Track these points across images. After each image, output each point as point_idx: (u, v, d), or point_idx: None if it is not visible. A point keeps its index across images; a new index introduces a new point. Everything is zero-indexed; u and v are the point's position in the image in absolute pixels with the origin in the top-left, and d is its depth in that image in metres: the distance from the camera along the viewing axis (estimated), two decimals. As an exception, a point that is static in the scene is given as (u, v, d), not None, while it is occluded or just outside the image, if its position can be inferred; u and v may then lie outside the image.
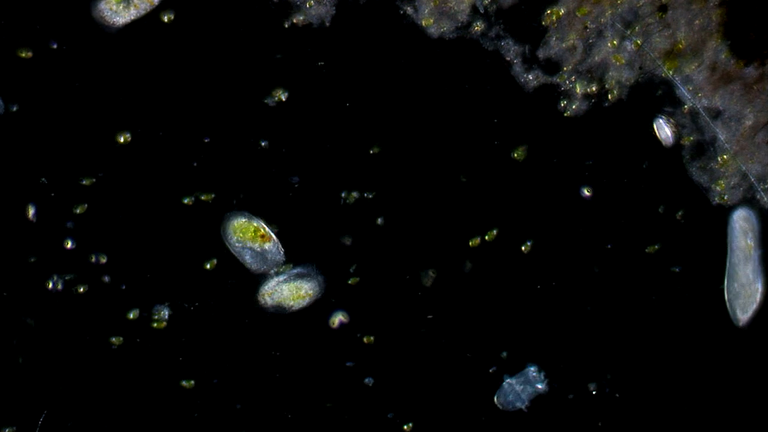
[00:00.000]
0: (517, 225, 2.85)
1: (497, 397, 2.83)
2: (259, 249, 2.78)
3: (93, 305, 2.81)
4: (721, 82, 2.71)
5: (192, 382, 2.84)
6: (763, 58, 2.67)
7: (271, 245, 2.78)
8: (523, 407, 2.80)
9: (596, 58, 2.73)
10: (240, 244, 2.77)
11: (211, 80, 2.76)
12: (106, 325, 2.81)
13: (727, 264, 2.78)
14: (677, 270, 2.85)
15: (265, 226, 2.78)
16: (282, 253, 2.78)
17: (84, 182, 2.77)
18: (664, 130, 2.70)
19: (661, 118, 2.71)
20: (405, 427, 2.89)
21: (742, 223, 2.75)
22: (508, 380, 2.81)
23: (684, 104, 2.74)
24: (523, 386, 2.80)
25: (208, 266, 2.81)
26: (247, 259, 2.78)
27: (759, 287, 2.77)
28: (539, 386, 2.79)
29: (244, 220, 2.77)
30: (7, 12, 2.71)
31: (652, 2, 2.69)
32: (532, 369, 2.80)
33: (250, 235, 2.77)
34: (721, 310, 2.85)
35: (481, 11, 2.72)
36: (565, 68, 2.74)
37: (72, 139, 2.76)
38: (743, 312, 2.77)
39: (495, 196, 2.83)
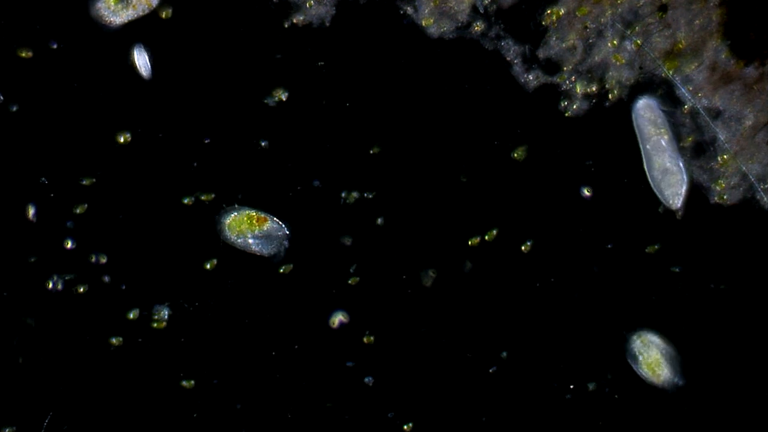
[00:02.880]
0: (517, 225, 2.85)
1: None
2: (261, 233, 2.78)
3: (93, 305, 2.81)
4: (721, 82, 2.71)
5: (192, 382, 2.84)
6: (763, 58, 2.67)
7: (270, 224, 2.78)
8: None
9: (596, 58, 2.73)
10: (242, 238, 2.77)
11: (211, 80, 2.76)
12: (106, 325, 2.81)
13: (643, 156, 2.75)
14: (677, 270, 2.85)
15: (254, 211, 2.78)
16: (284, 226, 2.78)
17: (84, 182, 2.77)
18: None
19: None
20: (405, 427, 2.89)
21: (645, 112, 2.74)
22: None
23: (684, 104, 2.74)
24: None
25: (208, 266, 2.81)
26: (256, 248, 2.78)
27: (682, 167, 2.74)
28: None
29: (234, 214, 2.77)
30: (6, 12, 2.71)
31: (652, 2, 2.69)
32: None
33: (246, 225, 2.77)
34: (721, 309, 2.85)
35: (481, 11, 2.72)
36: (565, 68, 2.74)
37: (72, 139, 2.76)
38: (675, 198, 2.74)
39: (495, 196, 2.83)
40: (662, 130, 2.71)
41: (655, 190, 2.77)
